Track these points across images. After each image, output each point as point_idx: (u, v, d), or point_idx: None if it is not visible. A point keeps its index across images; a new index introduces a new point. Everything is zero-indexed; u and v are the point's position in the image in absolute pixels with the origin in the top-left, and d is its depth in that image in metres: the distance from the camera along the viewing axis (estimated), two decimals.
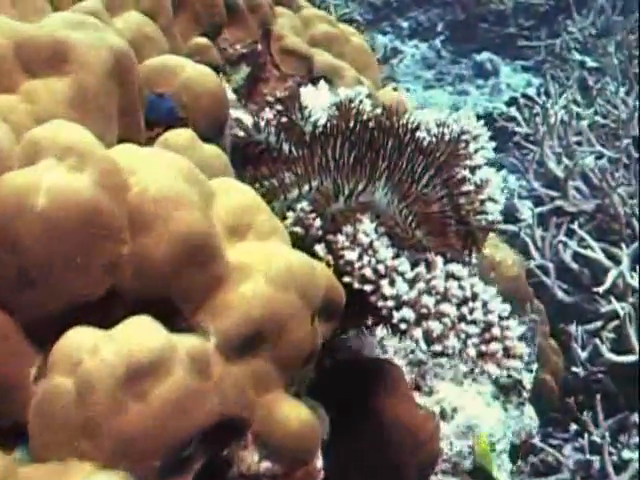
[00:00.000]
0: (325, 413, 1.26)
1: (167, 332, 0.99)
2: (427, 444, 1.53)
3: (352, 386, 1.45)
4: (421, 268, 1.24)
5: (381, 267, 1.22)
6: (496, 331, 1.19)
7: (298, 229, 1.28)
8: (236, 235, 1.10)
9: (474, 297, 1.22)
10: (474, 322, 1.19)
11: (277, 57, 1.77)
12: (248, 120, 1.57)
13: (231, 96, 1.67)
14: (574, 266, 3.35)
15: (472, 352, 1.16)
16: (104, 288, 1.00)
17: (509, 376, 2.15)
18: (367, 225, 1.29)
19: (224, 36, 1.62)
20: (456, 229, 1.47)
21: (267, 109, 1.56)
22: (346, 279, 1.24)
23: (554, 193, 3.52)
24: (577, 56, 4.08)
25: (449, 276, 1.26)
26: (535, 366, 2.21)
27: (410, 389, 1.66)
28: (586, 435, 3.04)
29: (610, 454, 2.97)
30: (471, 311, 1.20)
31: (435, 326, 1.17)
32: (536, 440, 2.25)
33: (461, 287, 1.23)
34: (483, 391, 2.13)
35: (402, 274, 1.21)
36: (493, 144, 1.68)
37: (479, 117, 3.82)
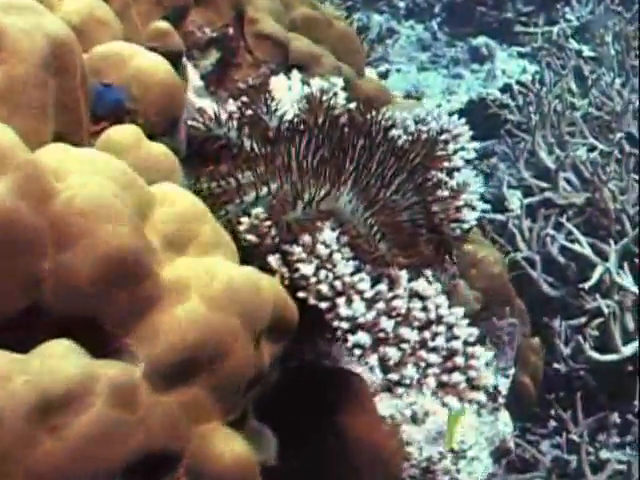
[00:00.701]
0: (271, 435, 1.15)
1: (88, 359, 0.88)
2: (390, 462, 1.43)
3: (307, 399, 1.34)
4: (382, 286, 1.13)
5: (338, 283, 1.11)
6: (459, 360, 1.08)
7: (252, 237, 1.16)
8: (175, 248, 0.98)
9: (438, 320, 1.10)
10: (436, 349, 1.08)
11: (251, 42, 1.64)
12: (213, 110, 1.45)
13: (198, 83, 1.55)
14: (561, 260, 3.24)
15: (432, 382, 1.05)
16: (20, 306, 0.88)
17: None
18: (327, 235, 1.17)
19: (192, 18, 1.49)
20: (428, 238, 1.35)
21: (231, 100, 1.43)
22: (301, 294, 1.13)
23: (544, 184, 3.39)
24: (574, 45, 3.94)
25: (413, 295, 1.14)
26: (512, 371, 2.10)
27: (373, 397, 1.55)
28: (564, 433, 2.95)
29: (588, 453, 2.88)
30: (434, 336, 1.09)
31: (393, 353, 1.05)
32: (511, 443, 2.15)
33: (425, 308, 1.11)
34: None
35: (361, 292, 1.10)
36: (475, 144, 1.55)
37: (472, 102, 3.70)
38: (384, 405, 1.69)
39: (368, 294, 1.10)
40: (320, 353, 1.29)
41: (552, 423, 3.09)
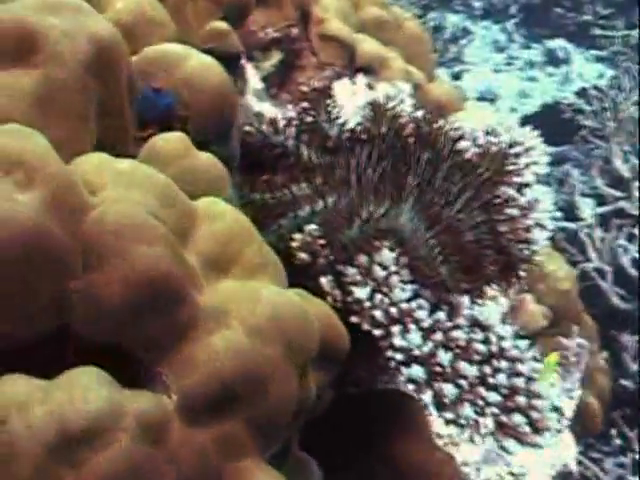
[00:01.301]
0: (316, 467, 1.05)
1: (116, 390, 0.79)
2: None
3: (358, 424, 1.24)
4: (441, 314, 1.02)
5: (394, 310, 1.00)
6: (521, 399, 0.96)
7: (304, 256, 1.06)
8: (218, 269, 0.89)
9: (501, 353, 0.99)
10: (496, 386, 0.97)
11: (315, 43, 1.54)
12: (270, 116, 1.35)
13: (258, 85, 1.46)
14: (632, 272, 3.07)
15: (490, 423, 0.94)
16: (47, 327, 0.80)
17: None
18: (385, 256, 1.07)
19: (253, 17, 1.40)
20: (494, 259, 1.23)
21: (290, 106, 1.34)
22: (354, 319, 1.03)
23: (618, 193, 3.22)
24: None
25: (474, 324, 1.03)
26: (578, 393, 1.96)
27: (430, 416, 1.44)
28: (629, 453, 2.78)
29: None
30: (494, 372, 0.97)
31: (449, 389, 0.95)
32: (572, 467, 2.01)
33: (486, 340, 1.00)
34: None
35: (417, 321, 0.99)
36: (547, 158, 1.42)
37: (547, 106, 3.54)
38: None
39: (425, 323, 1.00)
40: (373, 372, 1.18)
41: (617, 441, 2.92)
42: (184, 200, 0.89)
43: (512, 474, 1.86)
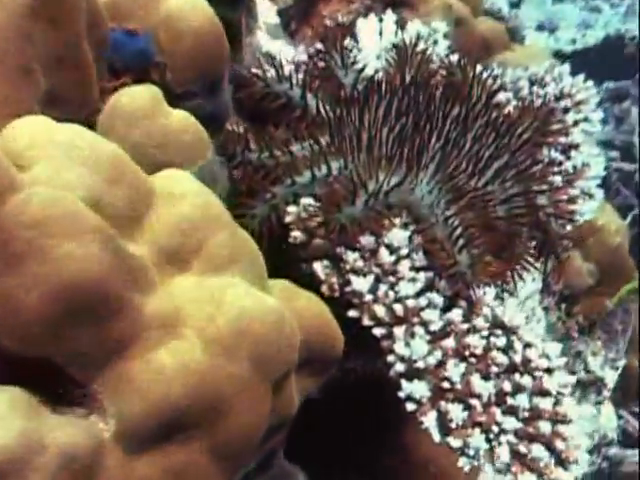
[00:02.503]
0: (302, 477, 0.88)
1: (35, 417, 0.62)
2: None
3: (366, 413, 1.07)
4: (456, 313, 0.82)
5: (399, 308, 0.81)
6: (545, 426, 0.77)
7: (297, 234, 0.87)
8: (176, 263, 0.71)
9: (524, 365, 0.79)
10: (515, 409, 0.77)
11: None
12: (288, 54, 1.14)
13: (273, 20, 1.24)
14: None
15: (505, 454, 0.75)
16: None
17: (588, 371, 1.71)
18: (396, 236, 0.87)
19: None
20: (528, 237, 1.02)
21: (302, 47, 1.12)
22: (352, 313, 0.84)
23: None
24: None
25: (496, 326, 0.83)
26: (623, 362, 1.75)
27: None
28: None
29: None
30: (515, 390, 0.78)
31: (456, 412, 0.75)
32: (613, 438, 1.82)
33: (509, 347, 0.80)
34: None
35: (426, 324, 0.79)
36: (600, 114, 1.19)
37: (608, 39, 3.20)
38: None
39: (435, 326, 0.80)
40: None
41: None
42: (138, 176, 0.70)
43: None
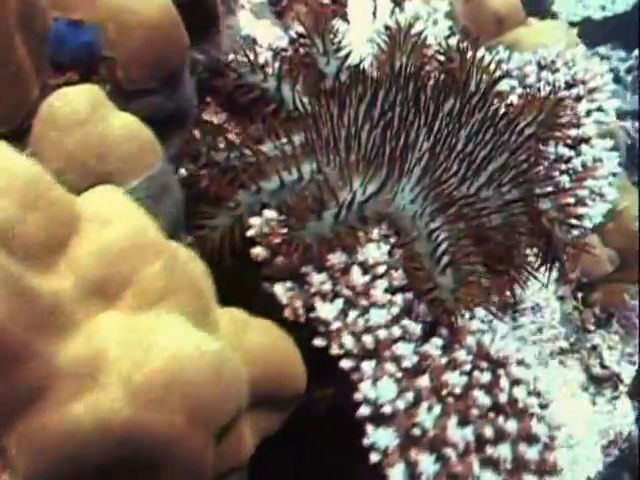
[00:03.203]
0: None
1: None
2: None
3: (342, 446, 0.96)
4: (433, 346, 0.71)
5: (369, 340, 0.70)
6: None
7: (259, 251, 0.76)
8: (102, 297, 0.61)
9: (511, 406, 0.68)
10: (496, 461, 0.66)
11: None
12: (273, 36, 1.03)
13: None
14: None
15: None
16: None
17: (604, 366, 1.59)
18: (372, 251, 0.76)
19: None
20: (530, 244, 0.91)
21: (282, 33, 1.00)
22: (317, 342, 0.73)
23: None
24: None
25: (482, 357, 0.72)
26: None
27: None
28: None
29: None
30: (497, 438, 0.67)
31: (427, 464, 0.65)
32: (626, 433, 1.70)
33: (494, 384, 0.69)
34: (570, 378, 1.59)
35: (397, 359, 0.69)
36: (615, 102, 1.06)
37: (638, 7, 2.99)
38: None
39: (408, 361, 0.69)
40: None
41: None
42: (59, 200, 0.60)
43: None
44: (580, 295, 1.68)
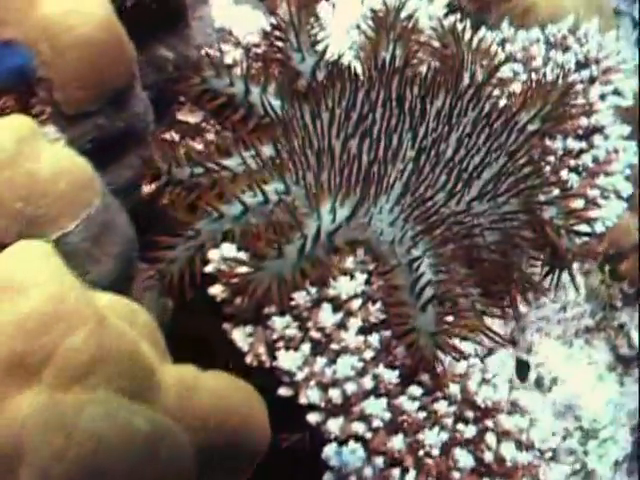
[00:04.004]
0: None
1: None
2: None
3: None
4: (409, 398, 0.63)
5: (336, 394, 0.62)
6: None
7: (216, 290, 0.68)
8: (20, 375, 0.54)
9: (498, 465, 0.60)
10: None
11: None
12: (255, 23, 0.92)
13: None
14: None
15: None
16: None
17: (631, 346, 1.49)
18: (344, 285, 0.67)
19: None
20: (532, 257, 0.81)
21: (260, 23, 0.89)
22: (283, 391, 0.65)
23: None
24: None
25: (467, 405, 0.63)
26: None
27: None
28: None
29: None
30: None
31: None
32: None
33: (477, 439, 0.61)
34: (596, 359, 1.49)
35: (367, 418, 0.60)
36: (634, 82, 0.94)
37: None
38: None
39: (379, 421, 0.61)
40: None
41: None
42: None
43: (582, 429, 1.48)
44: (607, 268, 1.56)
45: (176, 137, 0.89)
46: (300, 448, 0.67)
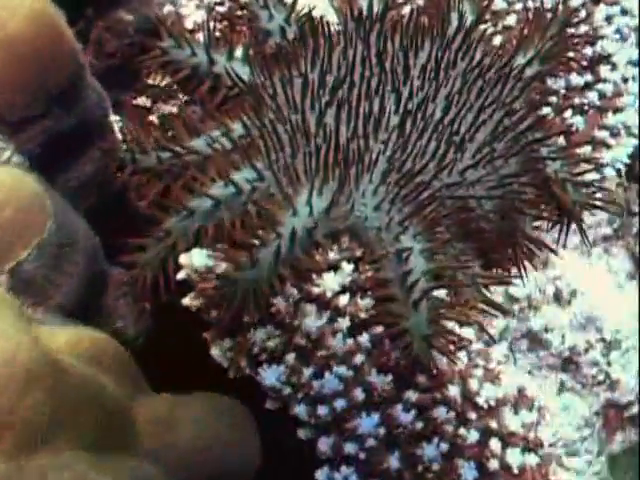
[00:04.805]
0: None
1: None
2: None
3: None
4: (405, 407, 0.58)
5: (324, 411, 0.57)
6: None
7: (189, 302, 0.62)
8: None
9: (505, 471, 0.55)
10: None
11: None
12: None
13: None
14: None
15: None
16: None
17: None
18: (328, 282, 0.61)
19: None
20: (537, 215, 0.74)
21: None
22: (268, 405, 0.61)
23: None
24: None
25: (469, 404, 0.58)
26: None
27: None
28: None
29: None
30: None
31: None
32: None
33: (486, 450, 0.56)
34: (616, 268, 1.42)
35: (360, 438, 0.55)
36: None
37: None
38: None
39: (372, 440, 0.56)
40: None
41: None
42: None
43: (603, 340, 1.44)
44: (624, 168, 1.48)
45: (148, 103, 0.81)
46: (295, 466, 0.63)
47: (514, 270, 0.72)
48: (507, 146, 0.69)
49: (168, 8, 0.81)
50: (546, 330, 1.31)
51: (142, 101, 0.77)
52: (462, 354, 0.62)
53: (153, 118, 0.80)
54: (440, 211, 0.65)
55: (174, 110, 0.76)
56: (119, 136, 0.73)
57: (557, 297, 1.34)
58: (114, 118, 0.81)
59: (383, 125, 0.67)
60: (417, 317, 0.59)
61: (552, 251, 0.76)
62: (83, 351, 0.54)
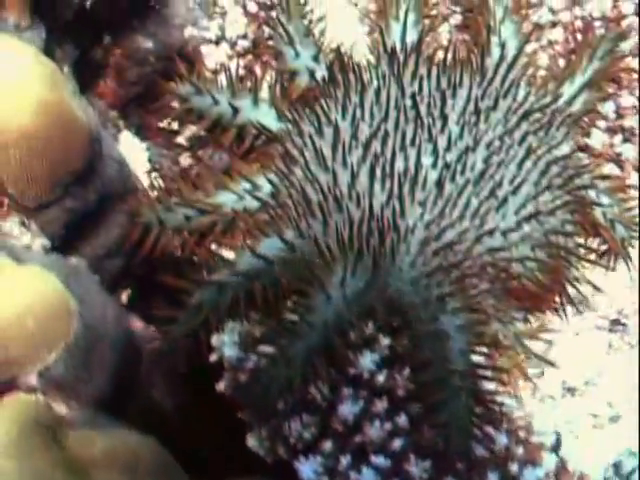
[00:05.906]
0: None
1: None
2: None
3: None
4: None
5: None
6: None
7: (223, 387, 0.60)
8: None
9: None
10: None
11: None
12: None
13: None
14: None
15: None
16: None
17: None
18: (365, 362, 0.58)
19: None
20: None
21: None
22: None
23: None
24: None
25: None
26: None
27: None
28: None
29: None
30: None
31: None
32: None
33: None
34: None
35: None
36: None
37: None
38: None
39: None
40: None
41: None
42: None
43: None
44: None
45: (175, 125, 0.77)
46: None
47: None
48: (554, 197, 0.63)
49: (189, 31, 0.75)
50: None
51: (168, 124, 0.73)
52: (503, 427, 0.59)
53: (181, 140, 0.76)
54: (481, 277, 0.61)
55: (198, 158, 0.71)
56: (145, 184, 0.69)
57: None
58: (142, 146, 0.78)
59: (420, 183, 0.62)
60: (455, 407, 0.56)
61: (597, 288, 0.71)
62: (117, 460, 0.53)
